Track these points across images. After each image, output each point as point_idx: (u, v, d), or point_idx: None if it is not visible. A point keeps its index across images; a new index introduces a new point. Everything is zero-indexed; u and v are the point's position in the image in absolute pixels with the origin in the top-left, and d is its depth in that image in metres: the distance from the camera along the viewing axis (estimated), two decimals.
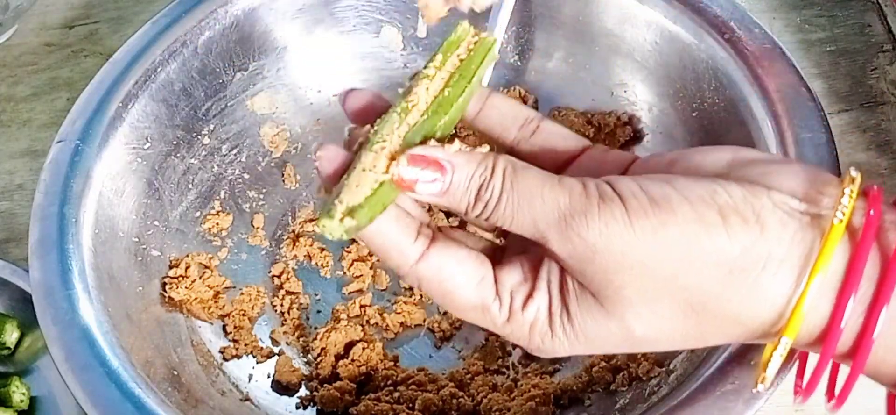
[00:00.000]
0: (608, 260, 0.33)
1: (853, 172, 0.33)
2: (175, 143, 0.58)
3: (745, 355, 0.43)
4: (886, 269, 0.32)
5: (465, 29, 0.39)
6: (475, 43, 0.38)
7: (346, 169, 0.35)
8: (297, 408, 0.54)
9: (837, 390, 0.35)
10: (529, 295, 0.35)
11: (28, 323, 0.57)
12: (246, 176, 0.62)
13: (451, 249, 0.36)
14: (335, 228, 0.33)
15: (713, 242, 0.32)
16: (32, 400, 0.56)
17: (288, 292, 0.59)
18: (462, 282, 0.35)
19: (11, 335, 0.57)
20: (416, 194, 0.34)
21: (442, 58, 0.38)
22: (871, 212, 0.32)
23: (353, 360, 0.55)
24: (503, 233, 0.39)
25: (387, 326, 0.57)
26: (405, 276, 0.36)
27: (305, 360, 0.56)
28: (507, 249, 0.38)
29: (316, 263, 0.61)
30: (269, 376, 0.55)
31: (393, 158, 0.34)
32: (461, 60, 0.38)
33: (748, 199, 0.33)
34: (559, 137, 0.39)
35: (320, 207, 0.35)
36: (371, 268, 0.60)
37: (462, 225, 0.40)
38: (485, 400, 0.52)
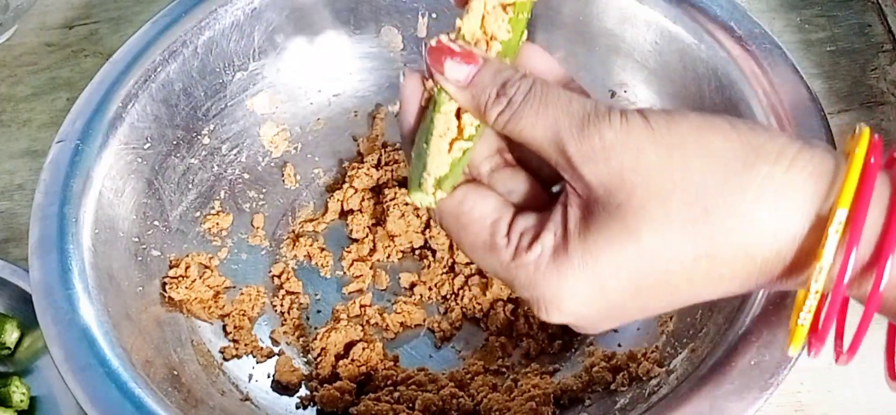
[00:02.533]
0: (623, 159, 0.32)
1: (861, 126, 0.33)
2: (175, 143, 0.58)
3: (745, 355, 0.43)
4: (892, 210, 0.31)
5: None
6: None
7: (418, 121, 0.36)
8: (297, 408, 0.54)
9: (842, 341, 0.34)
10: (536, 236, 0.34)
11: (28, 323, 0.57)
12: (246, 176, 0.62)
13: (477, 187, 0.36)
14: (426, 199, 0.35)
15: (722, 137, 0.32)
16: (32, 400, 0.56)
17: (288, 292, 0.59)
18: (478, 215, 0.35)
19: (11, 335, 0.57)
20: (444, 74, 0.35)
21: None
22: (872, 159, 0.32)
23: (353, 360, 0.55)
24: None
25: (387, 326, 0.57)
26: (431, 209, 0.36)
27: (305, 360, 0.56)
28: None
29: (316, 263, 0.61)
30: (269, 376, 0.55)
31: (460, 116, 0.35)
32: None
33: (756, 122, 0.33)
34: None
35: (411, 172, 0.36)
36: (371, 268, 0.60)
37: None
38: (485, 400, 0.52)
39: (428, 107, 0.36)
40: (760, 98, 0.52)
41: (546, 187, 0.37)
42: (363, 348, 0.55)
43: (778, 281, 0.33)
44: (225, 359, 0.55)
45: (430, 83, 0.36)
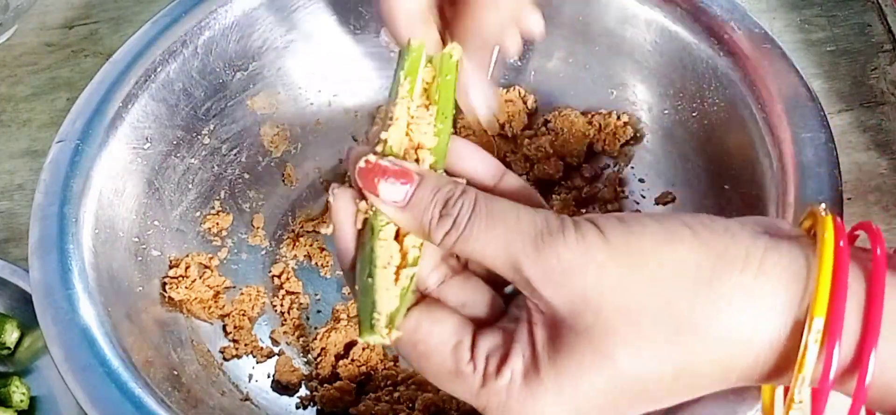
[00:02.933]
0: (585, 279, 0.31)
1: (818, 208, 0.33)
2: (175, 142, 0.58)
3: None
4: (870, 306, 0.31)
5: (418, 46, 0.37)
6: (437, 59, 0.37)
7: (357, 246, 0.35)
8: (297, 408, 0.54)
9: None
10: (504, 358, 0.33)
11: (28, 323, 0.57)
12: (246, 176, 0.62)
13: (431, 310, 0.34)
14: (379, 340, 0.33)
15: (685, 247, 0.31)
16: (32, 400, 0.56)
17: (288, 292, 0.59)
18: (436, 342, 0.34)
19: (11, 335, 0.57)
20: (379, 198, 0.33)
21: (409, 86, 0.36)
22: (841, 243, 0.31)
23: (353, 360, 0.55)
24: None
25: None
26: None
27: (305, 360, 0.56)
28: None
29: (316, 263, 0.61)
30: (269, 376, 0.55)
31: (401, 239, 0.34)
32: (428, 88, 0.37)
33: (714, 220, 0.32)
34: (523, 191, 0.37)
35: (359, 310, 0.34)
36: None
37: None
38: None
39: (364, 231, 0.34)
40: (760, 98, 0.52)
41: (498, 289, 0.36)
42: (363, 348, 0.55)
43: (758, 382, 0.33)
44: (225, 359, 0.55)
45: (363, 204, 0.34)
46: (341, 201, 0.35)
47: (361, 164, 0.34)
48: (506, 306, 0.36)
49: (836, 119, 0.65)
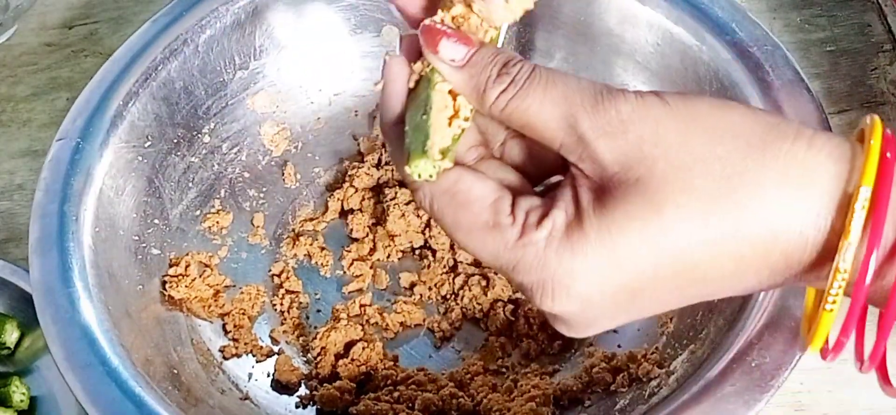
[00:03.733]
0: (643, 130, 0.31)
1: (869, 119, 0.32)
2: (175, 141, 0.58)
3: (745, 356, 0.43)
4: None
5: None
6: None
7: (405, 103, 0.35)
8: (297, 407, 0.54)
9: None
10: (545, 214, 0.32)
11: (28, 323, 0.57)
12: (246, 175, 0.62)
13: (472, 169, 0.34)
14: (429, 167, 0.33)
15: (739, 113, 0.32)
16: (32, 400, 0.56)
17: (288, 291, 0.59)
18: (477, 195, 0.33)
19: (11, 335, 0.57)
20: (438, 54, 0.33)
21: None
22: (888, 154, 0.31)
23: (352, 359, 0.55)
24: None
25: (387, 325, 0.57)
26: (415, 186, 0.34)
27: (305, 359, 0.56)
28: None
29: (316, 263, 0.61)
30: (268, 375, 0.55)
31: (455, 96, 0.34)
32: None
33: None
34: None
35: (409, 144, 0.34)
36: (371, 268, 0.60)
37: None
38: (484, 400, 0.52)
39: (418, 88, 0.35)
40: (761, 99, 0.52)
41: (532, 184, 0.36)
42: (363, 348, 0.55)
43: (801, 274, 0.32)
44: (225, 358, 0.55)
45: (418, 65, 0.35)
46: (395, 60, 0.35)
47: (426, 22, 0.34)
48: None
49: (836, 119, 0.65)
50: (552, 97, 0.32)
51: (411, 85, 0.35)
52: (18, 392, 0.55)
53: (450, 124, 0.34)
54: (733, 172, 0.31)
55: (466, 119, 0.34)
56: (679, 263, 0.31)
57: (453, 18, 0.35)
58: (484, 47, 0.34)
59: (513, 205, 0.33)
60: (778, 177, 0.31)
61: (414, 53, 0.35)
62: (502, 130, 0.36)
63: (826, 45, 0.69)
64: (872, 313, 0.33)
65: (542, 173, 0.36)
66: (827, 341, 0.33)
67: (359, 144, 0.65)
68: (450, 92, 0.34)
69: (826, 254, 0.31)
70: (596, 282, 0.31)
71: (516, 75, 0.33)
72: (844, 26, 0.70)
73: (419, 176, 0.33)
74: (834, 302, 0.31)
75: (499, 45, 0.36)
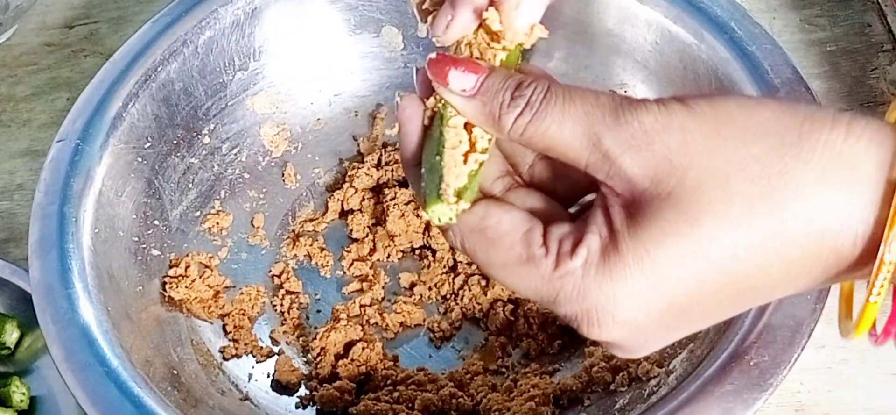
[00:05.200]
0: (669, 140, 0.29)
1: None
2: (175, 142, 0.58)
3: (744, 355, 0.43)
4: None
5: None
6: None
7: (422, 142, 0.34)
8: (297, 407, 0.54)
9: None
10: (578, 240, 0.31)
11: (28, 323, 0.57)
12: (246, 175, 0.62)
13: (498, 202, 0.33)
14: (446, 211, 0.32)
15: (770, 110, 0.30)
16: (32, 400, 0.56)
17: (288, 292, 0.59)
18: (507, 228, 0.32)
19: (11, 335, 0.57)
20: (448, 85, 0.33)
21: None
22: None
23: (352, 360, 0.55)
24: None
25: (387, 326, 0.57)
26: (447, 232, 0.33)
27: (305, 359, 0.56)
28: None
29: (316, 263, 0.61)
30: (268, 376, 0.55)
31: (469, 129, 0.33)
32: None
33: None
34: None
35: (425, 187, 0.33)
36: (371, 268, 0.60)
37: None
38: (484, 400, 0.52)
39: (432, 125, 0.34)
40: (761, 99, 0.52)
41: (564, 207, 0.35)
42: (363, 348, 0.55)
43: (849, 269, 0.30)
44: (224, 358, 0.55)
45: (431, 101, 0.34)
46: (408, 99, 0.34)
47: (433, 55, 0.33)
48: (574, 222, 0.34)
49: None
50: (571, 116, 0.31)
51: (426, 122, 0.35)
52: (18, 392, 0.55)
53: (465, 161, 0.33)
54: (772, 172, 0.29)
55: (484, 151, 0.33)
56: (726, 275, 0.30)
57: (462, 45, 0.35)
58: (495, 72, 0.33)
59: (545, 235, 0.32)
60: (818, 172, 0.29)
61: (427, 88, 0.34)
62: (529, 152, 0.35)
63: (826, 45, 0.69)
64: None
65: (576, 193, 0.35)
66: (874, 326, 0.32)
67: (359, 145, 0.65)
68: (465, 126, 0.33)
69: (875, 244, 0.29)
70: (641, 305, 0.30)
71: (531, 97, 0.31)
72: (844, 26, 0.70)
73: (439, 220, 0.33)
74: (879, 293, 0.30)
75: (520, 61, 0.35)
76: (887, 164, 0.29)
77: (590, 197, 0.34)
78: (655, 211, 0.30)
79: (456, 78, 0.33)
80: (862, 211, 0.29)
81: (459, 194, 0.32)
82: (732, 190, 0.29)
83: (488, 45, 0.34)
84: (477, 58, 0.34)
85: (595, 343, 0.55)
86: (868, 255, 0.30)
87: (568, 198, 0.35)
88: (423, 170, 0.34)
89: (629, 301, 0.30)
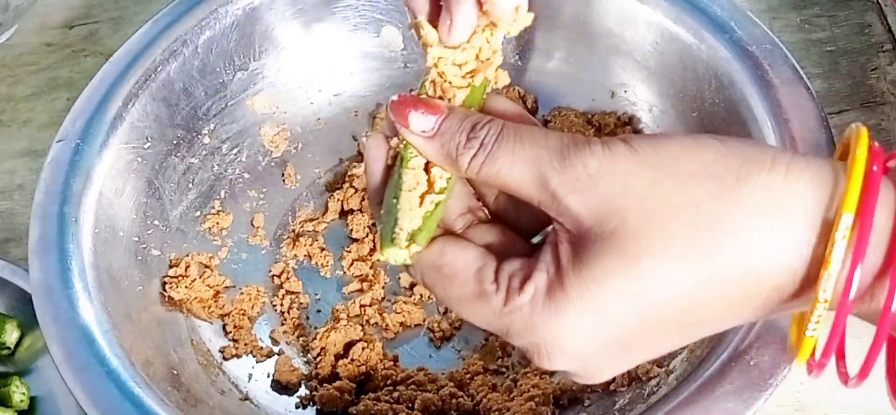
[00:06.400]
0: (612, 185, 0.31)
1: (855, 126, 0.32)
2: (175, 142, 0.58)
3: (744, 355, 0.43)
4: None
5: None
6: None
7: (386, 181, 0.36)
8: (297, 407, 0.54)
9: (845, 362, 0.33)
10: (527, 276, 0.32)
11: (28, 323, 0.57)
12: (246, 175, 0.62)
13: (455, 239, 0.35)
14: (400, 255, 0.34)
15: (712, 152, 0.31)
16: (32, 400, 0.56)
17: (288, 292, 0.59)
18: (461, 265, 0.34)
19: (11, 335, 0.57)
20: (408, 127, 0.34)
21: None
22: (874, 167, 0.30)
23: (352, 360, 0.55)
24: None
25: (386, 325, 0.57)
26: (410, 267, 0.35)
27: (305, 359, 0.56)
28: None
29: (316, 263, 0.61)
30: (268, 376, 0.55)
31: (429, 170, 0.35)
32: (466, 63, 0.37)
33: (742, 139, 0.32)
34: None
35: (381, 230, 0.35)
36: (371, 268, 0.60)
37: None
38: (484, 400, 0.52)
39: (394, 165, 0.36)
40: (760, 98, 0.52)
41: (526, 239, 0.36)
42: (363, 348, 0.55)
43: (790, 300, 0.31)
44: (224, 358, 0.55)
45: (394, 140, 0.36)
46: (373, 139, 0.36)
47: (394, 97, 0.35)
48: (532, 253, 0.35)
49: (836, 119, 0.65)
50: (521, 158, 0.32)
51: (389, 162, 0.36)
52: (18, 392, 0.55)
53: (421, 203, 0.34)
54: (711, 217, 0.30)
55: (442, 191, 0.34)
56: (667, 310, 0.31)
57: (426, 83, 0.36)
58: (453, 113, 0.34)
59: (497, 271, 0.33)
60: (754, 215, 0.30)
61: (393, 127, 0.36)
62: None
63: (826, 45, 0.69)
64: (868, 329, 0.32)
65: (537, 224, 0.36)
66: (813, 356, 0.33)
67: (359, 145, 0.65)
68: (425, 167, 0.35)
69: (813, 280, 0.31)
70: (586, 339, 0.32)
71: (484, 138, 0.33)
72: (844, 26, 0.70)
73: (394, 262, 0.34)
74: (815, 328, 0.31)
75: (496, 63, 0.36)
76: (824, 203, 0.30)
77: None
78: (599, 249, 0.31)
79: (416, 119, 0.34)
80: (799, 250, 0.30)
81: (413, 237, 0.34)
82: (671, 232, 0.30)
83: (451, 84, 0.36)
84: (440, 96, 0.36)
85: None
86: (807, 287, 0.31)
87: (530, 229, 0.36)
88: (382, 211, 0.35)
89: (574, 335, 0.32)
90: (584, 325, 0.31)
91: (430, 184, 0.35)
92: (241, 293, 0.58)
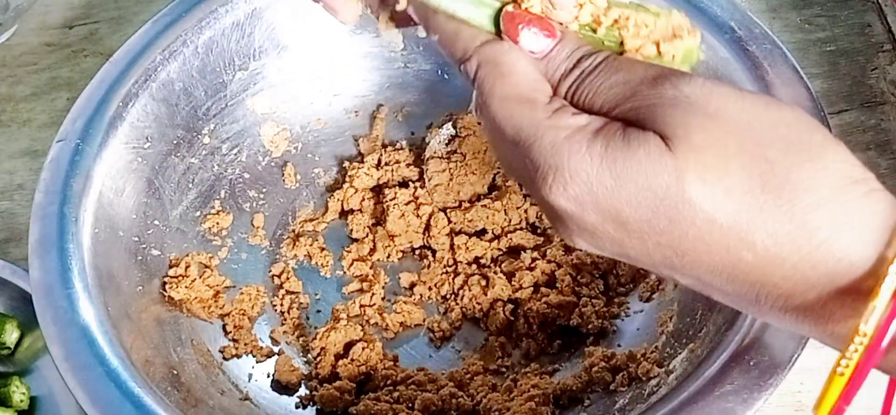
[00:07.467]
0: (695, 106, 0.30)
1: None
2: (175, 142, 0.58)
3: (743, 356, 0.43)
4: None
5: None
6: None
7: None
8: (297, 407, 0.54)
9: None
10: (578, 113, 0.33)
11: (28, 323, 0.57)
12: (246, 175, 0.62)
13: (522, 51, 0.35)
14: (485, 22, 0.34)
15: (785, 112, 0.31)
16: (32, 400, 0.56)
17: (288, 292, 0.59)
18: (522, 68, 0.34)
19: (11, 335, 0.57)
20: (518, 43, 0.34)
21: None
22: None
23: (352, 359, 0.55)
24: None
25: (387, 326, 0.57)
26: (467, 56, 0.34)
27: (305, 359, 0.56)
28: None
29: (316, 263, 0.61)
30: (268, 376, 0.55)
31: None
32: None
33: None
34: None
35: None
36: (371, 268, 0.60)
37: None
38: (484, 400, 0.52)
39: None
40: None
41: None
42: (363, 348, 0.55)
43: (831, 302, 0.30)
44: (224, 358, 0.55)
45: None
46: None
47: (510, 7, 0.34)
48: None
49: (836, 119, 0.65)
50: (617, 78, 0.33)
51: None
52: (18, 392, 0.55)
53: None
54: (772, 171, 0.30)
55: None
56: (684, 224, 0.30)
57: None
58: (565, 41, 0.34)
59: (553, 95, 0.34)
60: (813, 190, 0.30)
61: None
62: None
63: (826, 45, 0.69)
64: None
65: None
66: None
67: (359, 145, 0.65)
68: None
69: (863, 293, 0.30)
70: (593, 192, 0.31)
71: (586, 68, 0.33)
72: (844, 26, 0.70)
73: (474, 21, 0.34)
74: (847, 366, 0.30)
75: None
76: (888, 233, 0.30)
77: None
78: (653, 150, 0.30)
79: (527, 38, 0.34)
80: (875, 243, 0.29)
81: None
82: (731, 168, 0.30)
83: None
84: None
85: (589, 333, 0.55)
86: (856, 296, 0.30)
87: None
88: None
89: (585, 181, 0.31)
90: (600, 180, 0.31)
91: None
92: (241, 293, 0.58)
